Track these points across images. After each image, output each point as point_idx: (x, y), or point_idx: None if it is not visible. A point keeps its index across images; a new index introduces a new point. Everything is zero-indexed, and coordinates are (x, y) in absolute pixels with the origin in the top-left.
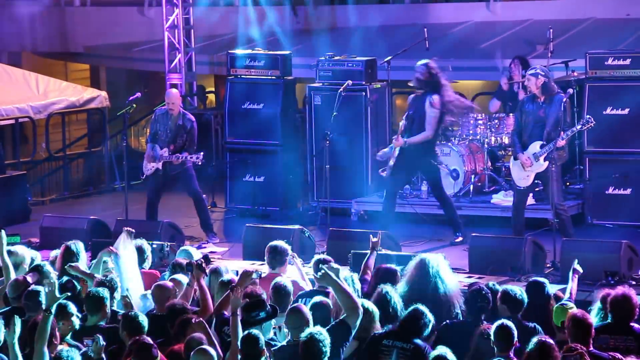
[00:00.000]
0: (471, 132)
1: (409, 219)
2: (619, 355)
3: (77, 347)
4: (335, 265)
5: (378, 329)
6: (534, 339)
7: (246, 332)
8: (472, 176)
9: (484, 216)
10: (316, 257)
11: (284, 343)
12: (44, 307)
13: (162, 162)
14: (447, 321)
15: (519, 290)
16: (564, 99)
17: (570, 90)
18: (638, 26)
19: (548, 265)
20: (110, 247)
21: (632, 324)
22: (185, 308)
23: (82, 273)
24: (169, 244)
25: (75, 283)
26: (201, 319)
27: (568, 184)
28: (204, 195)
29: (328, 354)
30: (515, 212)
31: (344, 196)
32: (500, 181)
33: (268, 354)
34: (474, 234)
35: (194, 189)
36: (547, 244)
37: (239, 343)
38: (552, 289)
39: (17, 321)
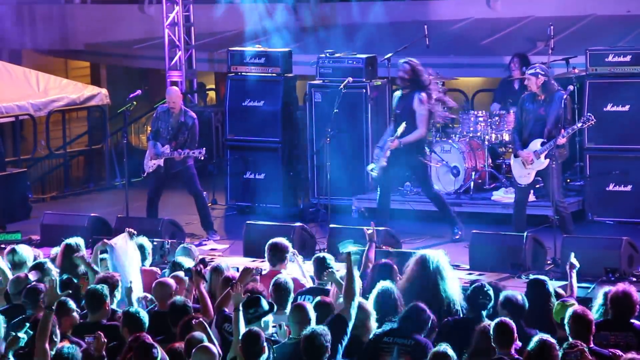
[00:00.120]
0: (472, 129)
1: (410, 216)
2: (619, 352)
3: (78, 344)
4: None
5: (373, 328)
6: (535, 338)
7: (248, 329)
8: (473, 173)
9: (485, 213)
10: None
11: (286, 340)
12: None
13: (163, 159)
14: (449, 318)
15: (520, 295)
16: (564, 96)
17: (571, 87)
18: (638, 23)
19: (548, 262)
20: (105, 240)
21: (632, 320)
22: (186, 305)
23: (87, 265)
24: (169, 241)
25: (75, 280)
26: (201, 319)
27: (568, 180)
28: (205, 193)
29: (329, 349)
30: (517, 209)
31: (345, 193)
32: (501, 178)
33: (269, 352)
34: (474, 231)
35: (194, 186)
36: (548, 240)
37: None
38: (552, 286)
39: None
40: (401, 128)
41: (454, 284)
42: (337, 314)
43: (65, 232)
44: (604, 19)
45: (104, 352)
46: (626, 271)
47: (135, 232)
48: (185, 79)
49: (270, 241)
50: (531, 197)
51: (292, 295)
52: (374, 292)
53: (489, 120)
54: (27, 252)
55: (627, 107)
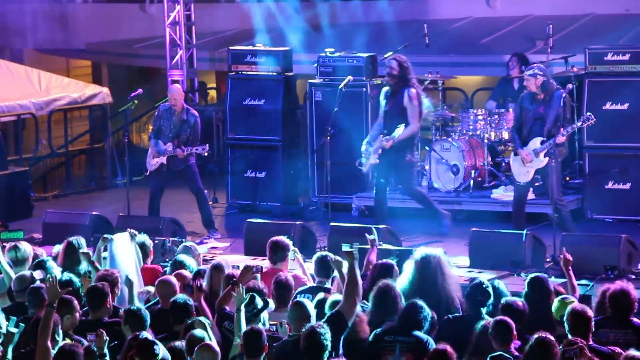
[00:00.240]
0: (471, 127)
1: (409, 214)
2: (618, 349)
3: (80, 341)
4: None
5: (366, 331)
6: (535, 336)
7: (249, 327)
8: (472, 171)
9: (484, 211)
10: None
11: (286, 337)
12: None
13: (166, 157)
14: (449, 315)
15: (520, 301)
16: (563, 95)
17: (570, 86)
18: (637, 22)
19: (548, 259)
20: (105, 236)
21: (631, 318)
22: (187, 304)
23: (90, 262)
24: (170, 239)
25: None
26: (201, 319)
27: (568, 178)
28: (206, 191)
29: (329, 347)
30: (516, 207)
31: (345, 191)
32: (500, 176)
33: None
34: (474, 229)
35: (196, 185)
36: (547, 238)
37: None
38: (552, 283)
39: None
40: (399, 130)
41: (454, 282)
42: (336, 310)
43: (67, 230)
44: (602, 18)
45: (105, 350)
46: (625, 269)
47: (137, 233)
48: (186, 78)
49: (271, 239)
50: (530, 195)
51: (293, 293)
52: (374, 290)
53: (489, 118)
54: (28, 249)
55: (626, 106)
